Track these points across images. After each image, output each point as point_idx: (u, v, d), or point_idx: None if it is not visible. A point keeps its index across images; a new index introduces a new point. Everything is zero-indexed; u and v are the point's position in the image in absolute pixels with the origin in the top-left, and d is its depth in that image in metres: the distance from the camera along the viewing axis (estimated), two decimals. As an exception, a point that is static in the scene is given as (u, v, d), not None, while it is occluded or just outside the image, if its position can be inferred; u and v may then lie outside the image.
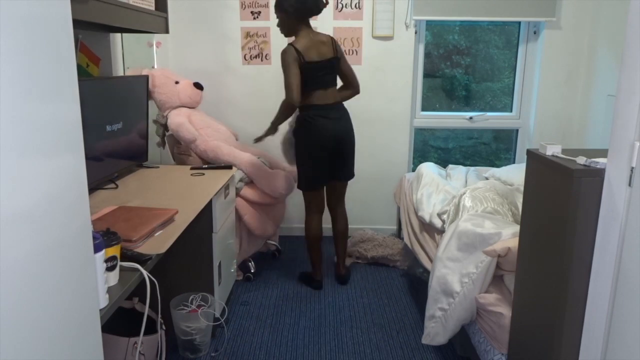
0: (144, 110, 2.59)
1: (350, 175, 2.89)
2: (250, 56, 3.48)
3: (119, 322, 1.84)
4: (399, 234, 3.53)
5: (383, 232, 3.56)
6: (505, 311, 1.82)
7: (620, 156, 1.25)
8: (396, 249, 3.25)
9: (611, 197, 1.29)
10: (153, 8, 2.33)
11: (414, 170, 3.37)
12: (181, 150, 2.93)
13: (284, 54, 2.57)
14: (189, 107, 2.92)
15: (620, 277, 1.25)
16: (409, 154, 3.70)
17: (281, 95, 3.49)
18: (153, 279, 1.43)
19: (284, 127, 2.86)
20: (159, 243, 1.60)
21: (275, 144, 3.59)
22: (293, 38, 2.65)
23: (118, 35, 2.64)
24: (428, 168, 3.14)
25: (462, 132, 3.88)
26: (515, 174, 2.94)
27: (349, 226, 3.14)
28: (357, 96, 3.45)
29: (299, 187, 2.82)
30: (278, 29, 2.69)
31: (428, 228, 2.70)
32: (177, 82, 2.90)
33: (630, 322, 1.21)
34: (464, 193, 2.49)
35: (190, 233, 2.16)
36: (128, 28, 2.14)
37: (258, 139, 2.80)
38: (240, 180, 2.84)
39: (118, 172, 2.35)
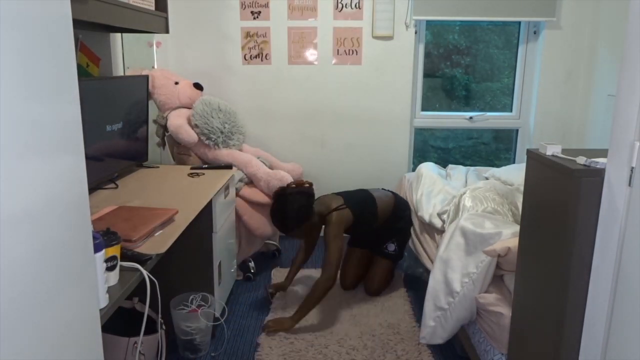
0: (144, 110, 2.59)
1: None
2: (250, 56, 3.48)
3: (119, 322, 1.83)
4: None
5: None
6: (505, 311, 1.82)
7: (620, 156, 1.25)
8: None
9: (611, 197, 1.29)
10: (153, 8, 2.33)
11: (414, 170, 3.37)
12: (181, 150, 2.92)
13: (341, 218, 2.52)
14: (189, 108, 2.92)
15: (620, 277, 1.25)
16: (409, 154, 3.70)
17: (280, 94, 3.48)
18: (153, 279, 1.43)
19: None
20: (159, 243, 1.60)
21: (275, 143, 3.60)
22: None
23: (118, 35, 2.64)
24: (428, 168, 3.14)
25: (462, 132, 3.88)
26: (515, 174, 2.94)
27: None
28: (357, 96, 3.39)
29: None
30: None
31: (428, 228, 2.70)
32: (176, 83, 2.89)
33: (630, 322, 1.21)
34: (464, 193, 2.49)
35: (190, 233, 2.16)
36: (128, 28, 2.14)
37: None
38: (240, 180, 2.84)
39: (118, 172, 2.35)
